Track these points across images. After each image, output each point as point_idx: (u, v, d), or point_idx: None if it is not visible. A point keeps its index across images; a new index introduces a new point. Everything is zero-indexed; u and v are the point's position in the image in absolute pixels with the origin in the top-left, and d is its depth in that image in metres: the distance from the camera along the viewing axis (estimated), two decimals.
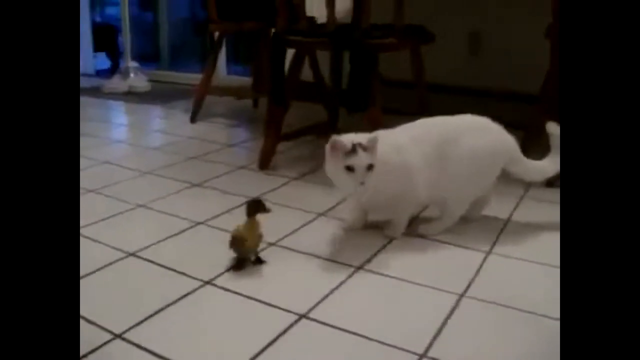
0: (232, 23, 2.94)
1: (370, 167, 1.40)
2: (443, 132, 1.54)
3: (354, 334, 1.14)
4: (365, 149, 1.40)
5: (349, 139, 1.42)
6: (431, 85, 2.41)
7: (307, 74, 2.79)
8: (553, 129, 1.58)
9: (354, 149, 1.39)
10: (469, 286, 1.32)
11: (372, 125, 1.91)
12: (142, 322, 1.16)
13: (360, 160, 1.39)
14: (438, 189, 1.54)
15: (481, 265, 1.43)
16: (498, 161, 1.58)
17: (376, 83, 2.00)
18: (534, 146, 1.77)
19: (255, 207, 1.40)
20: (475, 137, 1.54)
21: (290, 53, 2.16)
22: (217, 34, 3.00)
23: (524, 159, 1.61)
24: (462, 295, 1.28)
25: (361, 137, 1.43)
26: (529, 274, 1.40)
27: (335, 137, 1.42)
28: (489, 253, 1.49)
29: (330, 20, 1.99)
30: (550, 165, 1.61)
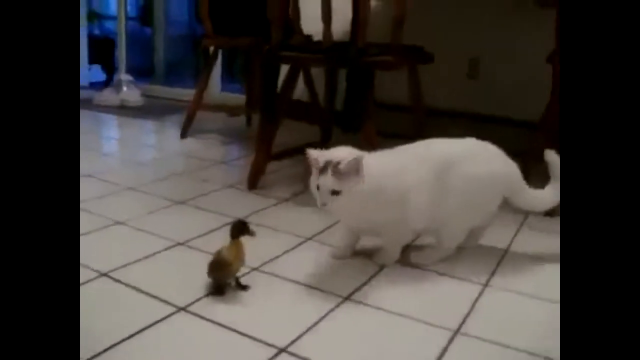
0: (227, 38, 2.87)
1: (335, 193, 1.30)
2: (443, 155, 1.45)
3: None
4: (335, 172, 1.29)
5: (330, 155, 1.32)
6: (429, 110, 2.34)
7: (300, 93, 2.72)
8: (552, 157, 1.50)
9: (324, 168, 1.30)
10: (463, 322, 1.23)
11: (367, 143, 1.84)
12: (103, 352, 1.06)
13: (325, 182, 1.30)
14: (435, 216, 1.45)
15: (477, 299, 1.33)
16: (499, 189, 1.49)
17: (371, 101, 1.92)
18: (534, 174, 1.69)
19: (240, 228, 1.31)
20: (477, 162, 1.44)
21: (284, 70, 2.09)
22: (211, 49, 2.93)
23: (526, 187, 1.52)
24: (456, 332, 1.19)
25: (349, 154, 1.32)
26: (528, 309, 1.30)
27: (310, 152, 1.34)
28: (485, 286, 1.40)
29: (326, 37, 1.92)
30: (550, 194, 1.52)
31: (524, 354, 1.11)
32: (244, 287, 1.33)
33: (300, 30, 2.12)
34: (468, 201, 1.44)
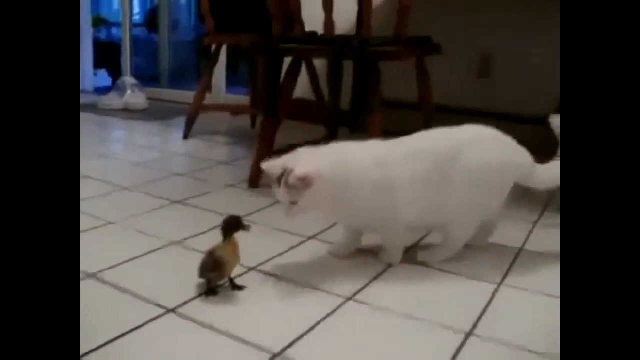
0: (229, 35, 2.80)
1: (293, 203, 1.24)
2: (445, 145, 1.34)
3: None
4: (286, 185, 1.22)
5: (287, 163, 1.24)
6: (438, 107, 2.24)
7: (304, 92, 2.64)
8: (556, 121, 1.39)
9: (279, 180, 1.24)
10: (477, 323, 1.13)
11: (373, 133, 1.75)
12: (83, 356, 0.97)
13: (279, 195, 1.25)
14: (439, 211, 1.35)
15: (491, 299, 1.23)
16: (509, 177, 1.38)
17: (378, 96, 1.83)
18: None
19: (234, 225, 1.22)
20: (482, 150, 1.33)
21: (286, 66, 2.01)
22: (213, 47, 2.86)
23: (537, 167, 1.40)
24: (469, 334, 1.09)
25: (304, 163, 1.23)
26: (545, 309, 1.20)
27: (264, 165, 1.28)
28: (499, 285, 1.30)
29: (328, 26, 1.83)
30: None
31: (541, 357, 1.01)
32: (240, 288, 1.24)
33: (302, 24, 2.04)
34: (476, 193, 1.34)
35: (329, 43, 1.85)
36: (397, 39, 1.81)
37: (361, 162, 1.30)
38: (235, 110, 3.19)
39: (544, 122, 2.21)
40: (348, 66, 2.87)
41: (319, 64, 2.77)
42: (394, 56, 1.77)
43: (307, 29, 2.02)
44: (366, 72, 1.79)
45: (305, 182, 1.21)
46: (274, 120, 1.96)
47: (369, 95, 1.82)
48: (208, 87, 2.89)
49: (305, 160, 1.25)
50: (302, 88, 2.40)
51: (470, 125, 1.38)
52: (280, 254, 1.44)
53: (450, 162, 1.32)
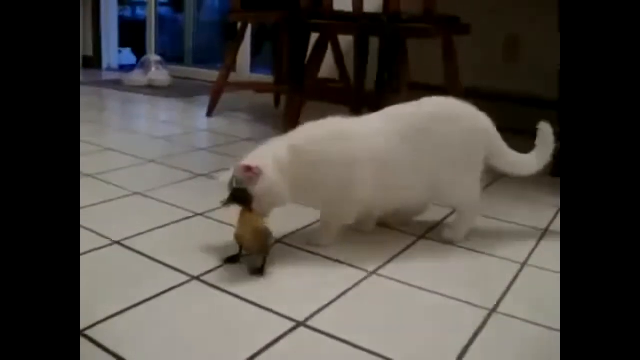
0: (254, 13, 2.79)
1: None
2: (411, 120, 1.31)
3: (361, 348, 0.94)
4: (237, 182, 1.21)
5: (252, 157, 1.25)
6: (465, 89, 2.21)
7: (327, 72, 2.63)
8: (544, 127, 1.41)
9: (231, 183, 1.22)
10: (500, 301, 1.12)
11: None
12: (108, 319, 0.98)
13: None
14: (423, 184, 1.33)
15: (515, 278, 1.22)
16: (481, 145, 1.36)
17: (404, 70, 1.81)
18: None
19: (231, 197, 1.20)
20: (452, 121, 1.32)
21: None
22: (239, 25, 2.85)
23: (506, 148, 1.39)
24: (492, 311, 1.08)
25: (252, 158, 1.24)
26: None
27: (220, 178, 1.27)
28: (524, 264, 1.29)
29: (357, 3, 1.82)
30: (535, 159, 1.41)
31: None
32: (234, 260, 1.22)
33: (330, 1, 2.02)
34: (460, 159, 1.33)
35: (356, 19, 1.83)
36: (426, 17, 1.78)
37: (323, 139, 1.31)
38: (259, 88, 3.19)
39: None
40: (374, 47, 2.84)
41: (345, 44, 2.75)
42: (424, 33, 1.74)
43: (336, 8, 2.01)
44: (393, 50, 1.77)
45: (254, 172, 1.20)
46: (300, 96, 1.95)
47: (395, 74, 1.80)
48: (232, 66, 2.88)
49: (252, 155, 1.27)
50: (327, 68, 2.39)
51: (432, 97, 1.37)
52: (305, 227, 1.44)
53: (421, 136, 1.30)
